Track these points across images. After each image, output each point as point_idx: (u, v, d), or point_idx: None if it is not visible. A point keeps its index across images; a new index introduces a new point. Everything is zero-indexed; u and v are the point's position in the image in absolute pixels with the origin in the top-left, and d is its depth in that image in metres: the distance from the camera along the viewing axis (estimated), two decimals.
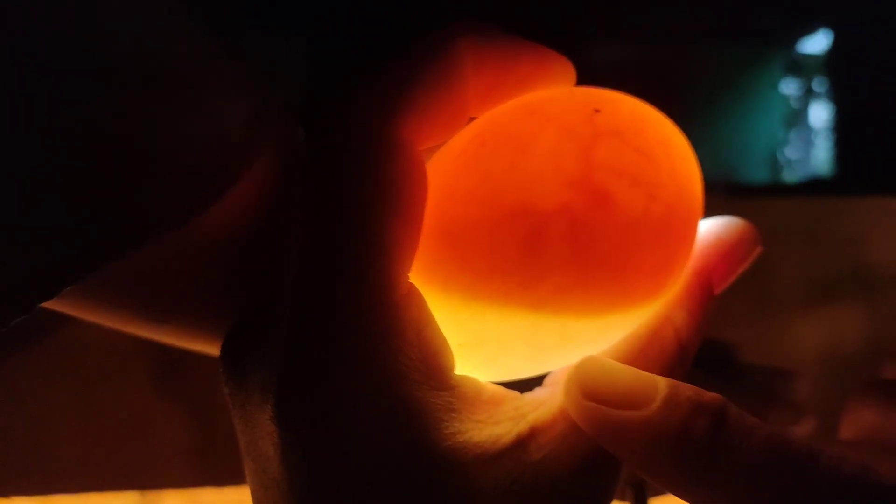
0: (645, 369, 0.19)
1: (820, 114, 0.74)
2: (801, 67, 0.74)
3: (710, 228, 0.22)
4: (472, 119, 0.19)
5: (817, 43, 0.73)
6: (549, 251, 0.17)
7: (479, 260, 0.17)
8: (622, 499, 0.43)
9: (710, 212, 0.53)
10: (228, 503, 0.48)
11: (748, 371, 0.49)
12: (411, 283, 0.16)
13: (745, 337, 0.50)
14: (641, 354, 0.19)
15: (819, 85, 0.74)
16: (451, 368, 0.17)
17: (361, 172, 0.15)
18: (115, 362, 0.45)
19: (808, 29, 0.72)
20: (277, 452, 0.16)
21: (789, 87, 0.74)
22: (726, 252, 0.21)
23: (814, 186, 0.75)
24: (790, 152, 0.75)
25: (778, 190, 0.76)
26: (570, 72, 0.19)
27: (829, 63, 0.73)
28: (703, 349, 0.49)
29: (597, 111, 0.18)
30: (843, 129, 0.72)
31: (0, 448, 0.44)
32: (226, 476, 0.46)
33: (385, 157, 0.15)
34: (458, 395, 0.17)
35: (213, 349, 0.29)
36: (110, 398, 0.45)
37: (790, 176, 0.76)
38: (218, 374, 0.20)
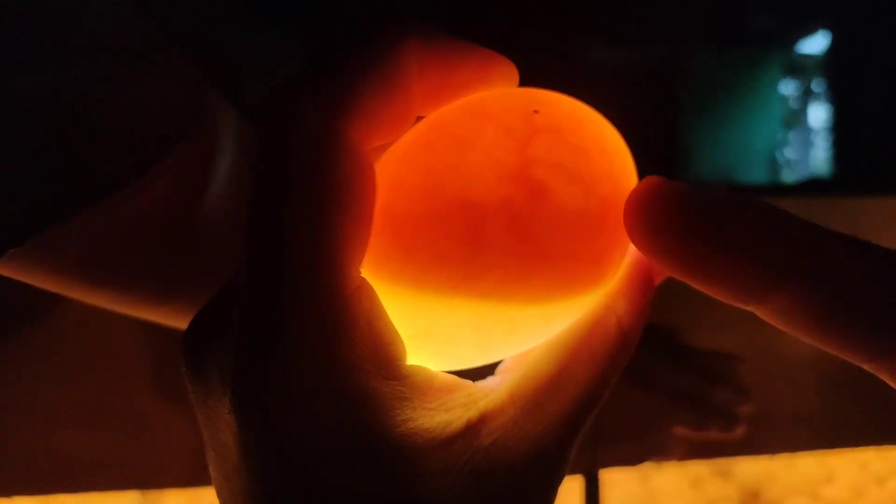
0: (589, 356, 0.20)
1: (818, 114, 0.75)
2: (800, 68, 0.74)
3: None
4: (419, 119, 0.18)
5: (816, 44, 0.73)
6: (490, 243, 0.18)
7: (424, 253, 0.17)
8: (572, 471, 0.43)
9: None
10: None
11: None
12: (362, 278, 0.17)
13: (741, 336, 0.50)
14: (586, 342, 0.20)
15: (818, 86, 0.74)
16: (403, 359, 0.18)
17: (309, 172, 0.15)
18: (117, 364, 0.45)
19: (807, 30, 0.72)
20: (236, 442, 0.16)
21: (788, 88, 0.75)
22: None
23: (812, 186, 0.76)
24: (789, 152, 0.76)
25: (776, 190, 0.76)
26: (514, 73, 0.19)
27: (828, 64, 0.73)
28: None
29: (535, 112, 0.19)
30: (841, 129, 0.73)
31: (2, 448, 0.44)
32: None
33: (332, 156, 0.15)
34: (410, 384, 0.17)
35: (149, 315, 0.31)
36: (112, 399, 0.45)
37: (789, 176, 0.76)
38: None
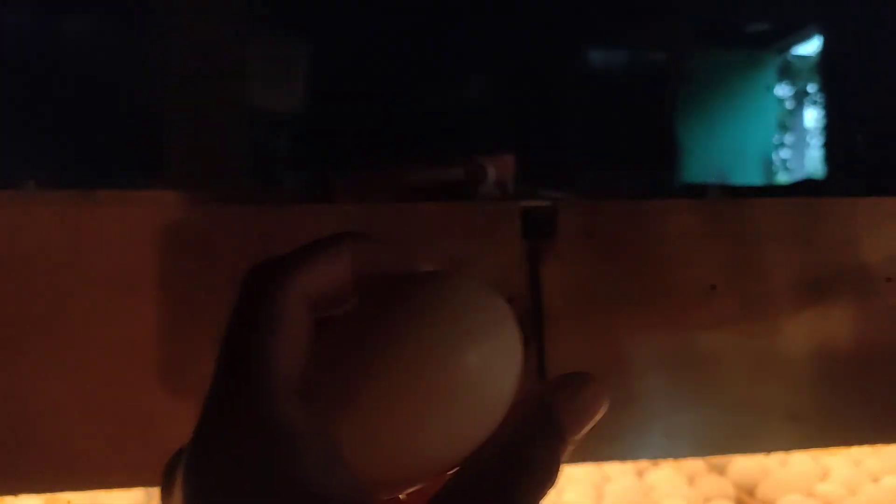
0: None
1: (812, 116, 0.76)
2: (795, 71, 0.75)
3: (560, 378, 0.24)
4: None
5: (810, 47, 0.74)
6: None
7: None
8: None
9: (707, 213, 0.54)
10: None
11: None
12: (290, 385, 0.21)
13: (735, 336, 0.51)
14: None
15: (812, 88, 0.75)
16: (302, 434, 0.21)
17: (256, 310, 0.22)
18: (122, 362, 0.45)
19: (801, 33, 0.73)
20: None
21: (783, 91, 0.76)
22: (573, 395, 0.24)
23: (806, 187, 0.76)
24: (783, 154, 0.77)
25: (771, 191, 0.77)
26: (429, 262, 0.25)
27: (822, 67, 0.74)
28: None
29: None
30: (835, 130, 0.74)
31: (8, 447, 0.45)
32: None
33: (275, 305, 0.22)
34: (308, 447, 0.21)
35: None
36: (117, 397, 0.45)
37: (783, 177, 0.77)
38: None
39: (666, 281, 0.49)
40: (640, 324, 0.47)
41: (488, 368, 0.22)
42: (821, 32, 0.73)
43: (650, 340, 0.44)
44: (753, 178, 0.74)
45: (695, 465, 0.93)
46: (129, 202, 0.45)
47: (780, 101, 0.76)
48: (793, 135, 0.77)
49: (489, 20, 0.51)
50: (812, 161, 0.77)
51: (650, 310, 0.48)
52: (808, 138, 0.77)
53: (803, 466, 0.91)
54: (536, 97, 0.56)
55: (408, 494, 0.23)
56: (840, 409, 0.52)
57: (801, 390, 0.52)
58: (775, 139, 0.76)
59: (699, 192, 0.66)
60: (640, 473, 0.94)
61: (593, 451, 0.49)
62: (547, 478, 0.22)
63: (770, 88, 0.74)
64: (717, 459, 0.95)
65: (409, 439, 0.21)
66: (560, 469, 0.22)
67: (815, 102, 0.77)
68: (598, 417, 0.23)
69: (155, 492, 0.54)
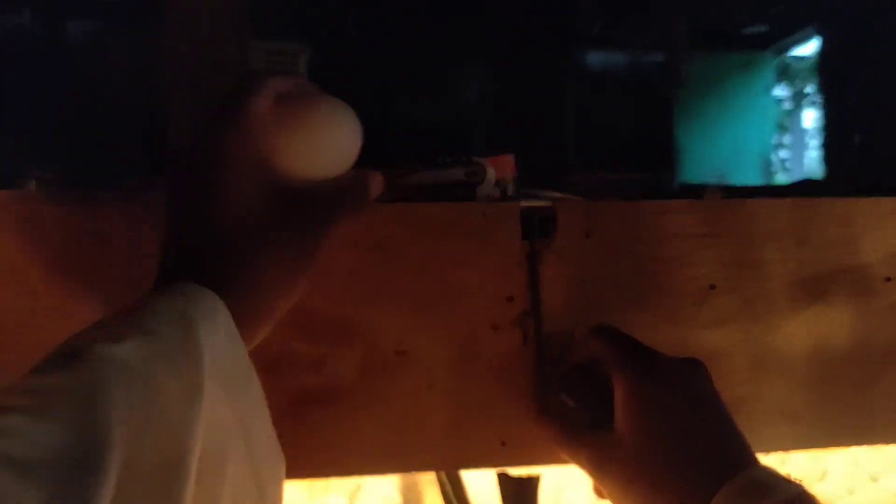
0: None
1: (811, 117, 0.76)
2: (793, 72, 0.75)
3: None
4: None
5: (808, 48, 0.74)
6: None
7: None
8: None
9: (706, 213, 0.54)
10: None
11: None
12: (262, 114, 0.39)
13: (735, 334, 0.51)
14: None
15: (810, 89, 0.76)
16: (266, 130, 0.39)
17: (249, 84, 0.39)
18: None
19: (800, 34, 0.73)
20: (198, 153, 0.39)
21: (781, 91, 0.76)
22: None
23: (805, 187, 0.77)
24: (782, 154, 0.77)
25: (769, 191, 0.78)
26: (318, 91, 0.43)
27: (820, 67, 0.74)
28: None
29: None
30: (833, 131, 0.74)
31: None
32: None
33: (259, 84, 0.39)
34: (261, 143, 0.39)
35: None
36: None
37: (781, 177, 0.77)
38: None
39: (665, 281, 0.49)
40: (639, 323, 0.47)
41: (336, 138, 0.41)
42: (819, 33, 0.74)
43: (649, 340, 0.44)
44: (752, 178, 0.74)
45: None
46: (130, 202, 0.45)
47: (779, 101, 0.77)
48: (791, 135, 0.77)
49: (489, 22, 0.51)
50: (810, 161, 0.78)
51: (649, 309, 0.48)
52: (806, 139, 0.77)
53: (802, 466, 0.92)
54: (536, 98, 0.56)
55: None
56: (839, 408, 0.52)
57: (800, 390, 0.52)
58: (774, 139, 0.76)
59: (698, 192, 0.66)
60: None
61: None
62: (361, 203, 0.41)
63: (768, 89, 0.74)
64: None
65: (298, 163, 0.40)
66: (368, 203, 0.42)
67: (813, 103, 0.77)
68: (380, 189, 0.42)
69: None
